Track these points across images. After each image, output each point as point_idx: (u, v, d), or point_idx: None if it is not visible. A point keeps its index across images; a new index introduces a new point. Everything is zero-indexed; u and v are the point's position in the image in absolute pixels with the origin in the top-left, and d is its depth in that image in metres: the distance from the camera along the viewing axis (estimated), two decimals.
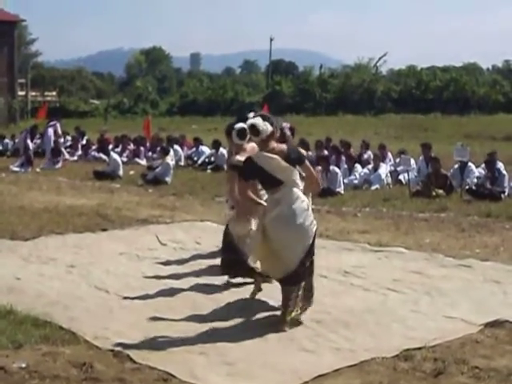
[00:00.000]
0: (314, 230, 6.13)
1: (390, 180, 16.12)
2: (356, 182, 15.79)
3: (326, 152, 17.21)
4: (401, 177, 16.12)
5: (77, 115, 55.16)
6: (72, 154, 23.61)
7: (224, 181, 9.15)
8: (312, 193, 6.92)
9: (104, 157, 20.58)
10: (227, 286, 7.46)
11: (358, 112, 51.87)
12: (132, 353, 5.40)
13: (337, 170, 14.90)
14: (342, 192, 14.53)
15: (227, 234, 7.42)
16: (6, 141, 26.24)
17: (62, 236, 10.15)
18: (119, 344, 5.60)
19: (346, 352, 5.52)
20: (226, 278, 7.58)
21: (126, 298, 7.03)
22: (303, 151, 6.82)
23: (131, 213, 12.21)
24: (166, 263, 8.53)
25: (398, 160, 17.25)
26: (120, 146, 23.02)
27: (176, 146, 21.09)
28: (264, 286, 7.05)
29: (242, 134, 6.66)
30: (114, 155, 18.99)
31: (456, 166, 15.02)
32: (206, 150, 21.12)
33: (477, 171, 14.95)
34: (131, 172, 18.69)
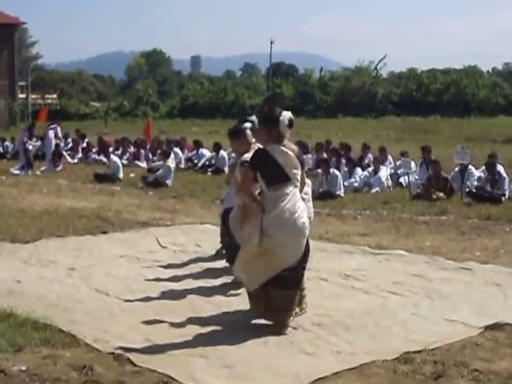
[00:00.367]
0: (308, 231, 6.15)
1: (390, 183, 16.12)
2: (356, 184, 15.79)
3: (325, 155, 17.20)
4: (401, 179, 16.11)
5: (77, 118, 55.36)
6: (72, 157, 23.66)
7: (224, 184, 9.15)
8: None
9: (104, 159, 20.61)
10: (227, 288, 7.48)
11: (358, 114, 51.94)
12: (132, 356, 5.39)
13: (337, 172, 14.91)
14: (343, 195, 14.53)
15: (227, 235, 7.44)
16: (7, 143, 26.31)
17: (63, 239, 10.15)
18: (119, 347, 5.59)
19: (347, 355, 5.51)
20: (225, 278, 7.67)
21: (126, 300, 7.01)
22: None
23: (131, 215, 12.22)
24: (167, 266, 8.53)
25: (398, 163, 17.26)
26: (120, 149, 23.07)
27: (176, 149, 21.10)
28: None
29: (291, 123, 6.25)
30: (115, 158, 19.01)
31: (456, 168, 15.02)
32: (207, 152, 21.16)
33: (477, 174, 14.95)
34: (131, 175, 18.70)
